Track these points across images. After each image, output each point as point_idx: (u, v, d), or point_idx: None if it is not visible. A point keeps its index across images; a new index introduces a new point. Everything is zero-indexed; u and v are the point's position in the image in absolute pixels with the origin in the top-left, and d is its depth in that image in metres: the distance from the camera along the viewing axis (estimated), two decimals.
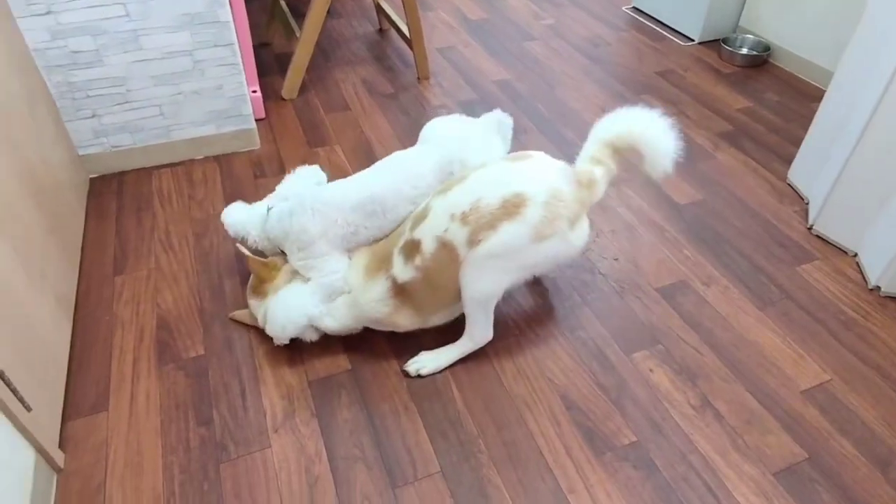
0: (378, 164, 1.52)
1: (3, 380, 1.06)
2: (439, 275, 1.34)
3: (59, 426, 1.29)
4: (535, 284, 1.67)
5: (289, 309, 1.39)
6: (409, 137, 2.21)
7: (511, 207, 1.27)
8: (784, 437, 1.33)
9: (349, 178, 1.50)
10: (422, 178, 1.46)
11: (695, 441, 1.32)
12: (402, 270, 1.36)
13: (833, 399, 1.40)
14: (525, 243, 1.28)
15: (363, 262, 1.43)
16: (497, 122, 1.63)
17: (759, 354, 1.50)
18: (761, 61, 2.73)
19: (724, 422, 1.35)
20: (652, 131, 1.33)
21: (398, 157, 1.53)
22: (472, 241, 1.28)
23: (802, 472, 1.26)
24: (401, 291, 1.37)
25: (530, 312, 1.59)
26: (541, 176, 1.33)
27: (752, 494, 1.22)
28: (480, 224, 1.28)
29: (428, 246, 1.33)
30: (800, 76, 2.65)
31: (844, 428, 1.35)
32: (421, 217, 1.36)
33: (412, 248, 1.35)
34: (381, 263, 1.40)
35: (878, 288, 1.65)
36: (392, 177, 1.46)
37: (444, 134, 1.57)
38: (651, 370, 1.45)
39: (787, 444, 1.31)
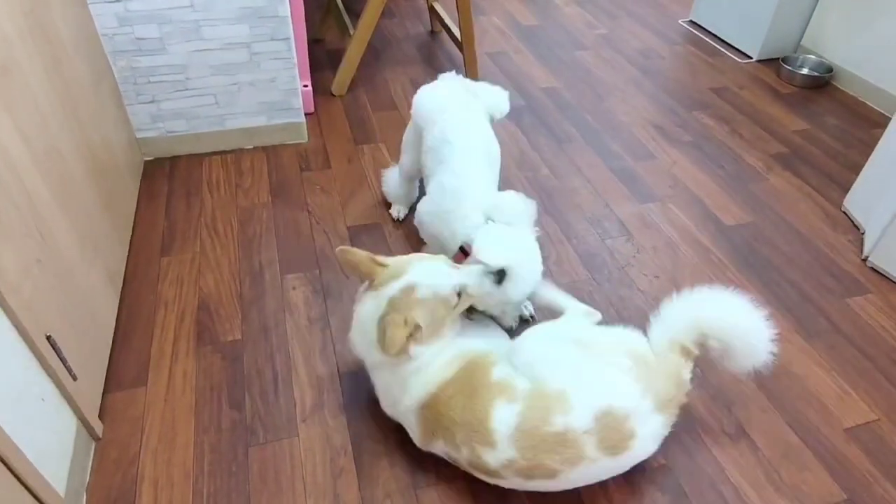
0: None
1: (51, 345, 1.11)
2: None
3: (100, 397, 1.34)
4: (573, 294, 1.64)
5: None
6: None
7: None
8: (823, 475, 1.27)
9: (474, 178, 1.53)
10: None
11: (727, 471, 1.27)
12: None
13: (879, 440, 1.34)
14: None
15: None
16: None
17: (801, 387, 1.44)
18: (823, 83, 2.63)
19: (759, 453, 1.30)
20: (747, 323, 1.18)
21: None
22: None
23: None
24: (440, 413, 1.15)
25: None
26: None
27: None
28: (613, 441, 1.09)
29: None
30: (863, 100, 2.55)
31: (891, 472, 1.28)
32: (554, 397, 1.11)
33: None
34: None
35: None
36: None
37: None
38: (685, 393, 1.41)
39: (825, 482, 1.26)
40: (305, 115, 2.22)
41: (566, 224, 1.88)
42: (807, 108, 2.49)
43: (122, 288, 1.60)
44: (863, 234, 1.85)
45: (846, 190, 2.01)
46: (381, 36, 2.92)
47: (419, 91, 1.70)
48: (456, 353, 1.20)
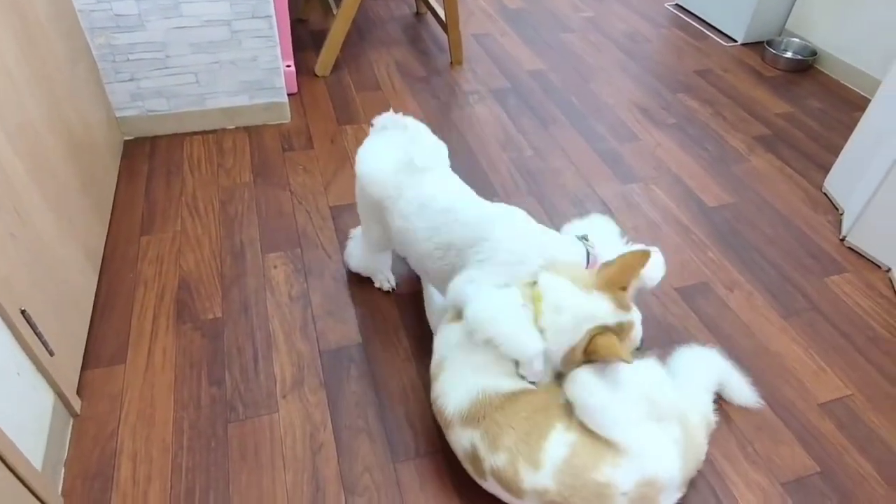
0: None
1: (26, 319, 1.10)
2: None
3: (78, 373, 1.33)
4: None
5: None
6: (438, 121, 2.21)
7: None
8: (797, 448, 1.30)
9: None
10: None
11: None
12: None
13: (852, 415, 1.36)
14: None
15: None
16: None
17: (778, 363, 1.46)
18: (806, 66, 2.65)
19: (734, 427, 1.32)
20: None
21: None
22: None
23: (813, 485, 1.23)
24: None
25: None
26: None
27: (758, 503, 1.20)
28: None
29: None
30: (845, 84, 2.56)
31: (862, 445, 1.31)
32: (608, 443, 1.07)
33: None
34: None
35: None
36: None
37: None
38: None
39: (799, 455, 1.28)
40: (288, 95, 2.20)
41: (550, 204, 1.88)
42: (790, 91, 2.50)
43: (101, 266, 1.59)
44: (841, 214, 1.87)
45: (826, 171, 2.03)
46: (366, 16, 2.89)
47: (362, 158, 1.37)
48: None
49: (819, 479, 1.24)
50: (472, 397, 1.10)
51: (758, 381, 1.41)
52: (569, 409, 1.09)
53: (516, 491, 1.06)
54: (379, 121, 1.40)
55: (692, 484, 1.21)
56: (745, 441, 1.30)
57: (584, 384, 1.08)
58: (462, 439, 1.11)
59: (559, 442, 1.05)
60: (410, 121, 1.36)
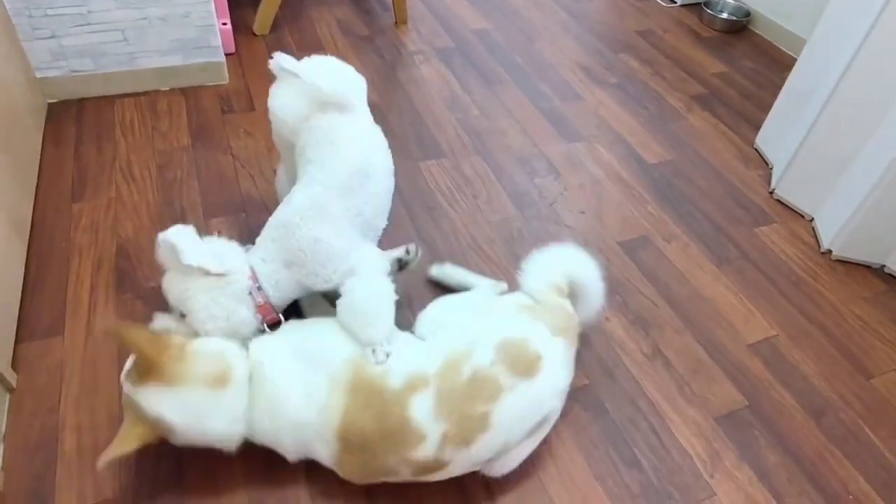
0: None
1: None
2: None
3: (12, 347, 1.27)
4: (503, 231, 1.68)
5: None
6: (382, 81, 2.17)
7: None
8: (727, 385, 1.39)
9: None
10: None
11: (644, 387, 1.37)
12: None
13: (777, 353, 1.47)
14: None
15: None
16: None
17: (711, 309, 1.55)
18: (740, 27, 2.74)
19: (672, 370, 1.41)
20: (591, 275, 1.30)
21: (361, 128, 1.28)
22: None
23: (742, 417, 1.33)
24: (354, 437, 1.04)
25: (494, 259, 1.60)
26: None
27: (693, 436, 1.28)
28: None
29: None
30: (776, 44, 2.67)
31: (785, 380, 1.41)
32: (461, 356, 1.09)
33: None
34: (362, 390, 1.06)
35: (830, 252, 1.72)
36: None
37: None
38: (607, 318, 1.49)
39: (729, 392, 1.38)
40: (226, 55, 2.11)
41: (496, 164, 1.90)
42: (725, 52, 2.59)
43: (31, 235, 1.50)
44: (771, 169, 1.98)
45: (758, 129, 2.13)
46: None
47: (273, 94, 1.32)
48: (324, 393, 1.05)
49: (747, 412, 1.34)
50: (341, 461, 1.08)
51: (694, 325, 1.50)
52: (407, 384, 1.05)
53: (437, 465, 1.04)
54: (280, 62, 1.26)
55: (632, 421, 1.29)
56: (683, 382, 1.38)
57: (424, 319, 1.24)
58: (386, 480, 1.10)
59: (421, 405, 1.03)
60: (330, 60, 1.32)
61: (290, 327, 1.17)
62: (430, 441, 1.02)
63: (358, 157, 1.22)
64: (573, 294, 1.29)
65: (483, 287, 1.44)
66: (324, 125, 1.22)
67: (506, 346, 1.09)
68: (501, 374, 1.06)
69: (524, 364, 1.08)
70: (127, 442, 0.99)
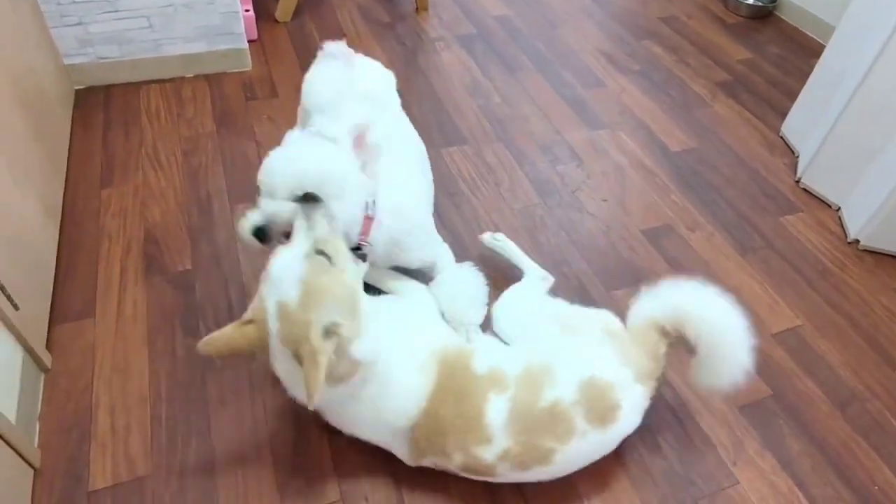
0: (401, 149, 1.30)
1: None
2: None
3: (46, 328, 1.30)
4: (525, 218, 1.68)
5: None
6: (403, 68, 2.17)
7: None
8: (752, 375, 1.38)
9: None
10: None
11: (666, 374, 1.36)
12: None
13: (802, 343, 1.46)
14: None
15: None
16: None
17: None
18: (766, 13, 2.68)
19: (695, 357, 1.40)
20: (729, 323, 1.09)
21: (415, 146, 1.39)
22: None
23: (766, 407, 1.32)
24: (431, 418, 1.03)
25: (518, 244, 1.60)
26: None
27: (716, 424, 1.28)
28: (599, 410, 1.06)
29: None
30: (804, 31, 2.61)
31: (810, 370, 1.40)
32: (541, 373, 1.07)
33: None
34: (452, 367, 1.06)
35: (857, 241, 1.69)
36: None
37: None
38: (630, 307, 1.49)
39: (754, 381, 1.37)
40: (249, 42, 2.12)
41: (518, 151, 1.89)
42: (751, 38, 2.54)
43: (62, 220, 1.53)
44: (797, 157, 1.95)
45: (784, 116, 2.09)
46: None
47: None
48: (424, 354, 1.07)
49: (771, 401, 1.33)
50: (408, 436, 1.07)
51: None
52: (490, 377, 1.06)
53: (487, 469, 1.05)
54: (329, 48, 1.33)
55: (654, 407, 1.29)
56: None
57: (501, 317, 1.24)
58: (432, 464, 1.10)
59: (497, 407, 1.03)
60: (361, 58, 1.38)
61: (391, 299, 1.27)
62: (493, 448, 1.02)
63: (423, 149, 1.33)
64: (703, 347, 1.11)
65: (531, 277, 1.40)
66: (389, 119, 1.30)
67: (590, 388, 1.05)
68: (578, 416, 1.04)
69: (602, 412, 1.05)
70: (239, 335, 0.93)
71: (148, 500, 1.09)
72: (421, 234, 1.28)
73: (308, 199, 1.01)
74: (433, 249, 1.33)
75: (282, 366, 0.97)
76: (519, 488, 1.15)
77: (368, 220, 1.13)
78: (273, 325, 0.91)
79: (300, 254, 0.94)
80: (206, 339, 0.94)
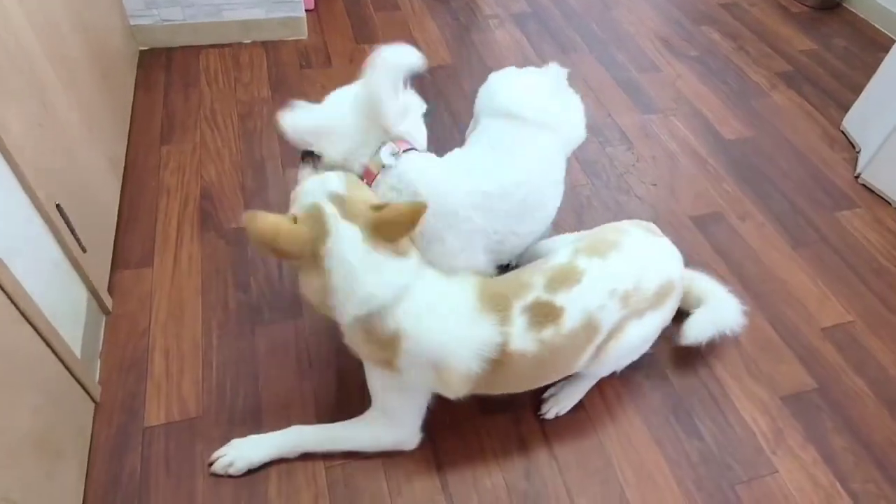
0: (486, 141, 1.24)
1: (61, 213, 1.12)
2: (561, 357, 1.07)
3: (108, 273, 1.36)
4: (572, 199, 1.67)
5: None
6: (456, 44, 2.17)
7: (661, 296, 1.16)
8: (797, 366, 1.36)
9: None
10: (558, 169, 1.26)
11: (707, 360, 1.35)
12: (523, 337, 1.02)
13: (852, 339, 1.42)
14: (654, 335, 1.22)
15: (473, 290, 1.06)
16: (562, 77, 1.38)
17: (784, 290, 1.51)
18: (834, 4, 2.58)
19: (739, 346, 1.38)
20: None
21: (513, 137, 1.24)
22: (618, 328, 1.11)
23: (810, 399, 1.30)
24: (500, 361, 1.01)
25: (562, 226, 1.60)
26: (678, 261, 1.25)
27: (757, 413, 1.27)
28: (635, 309, 1.11)
29: (571, 319, 1.04)
30: (873, 23, 2.51)
31: (859, 367, 1.37)
32: (566, 277, 1.07)
33: (546, 314, 1.03)
34: (494, 305, 1.03)
35: None
36: (525, 163, 1.19)
37: (539, 107, 1.27)
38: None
39: (798, 373, 1.35)
40: (306, 11, 2.15)
41: None
42: (816, 29, 2.45)
43: (124, 173, 1.60)
44: (858, 152, 1.88)
45: (846, 110, 2.02)
46: None
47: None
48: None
49: (816, 394, 1.31)
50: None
51: (764, 304, 1.46)
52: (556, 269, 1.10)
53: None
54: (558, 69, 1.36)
55: (694, 392, 1.28)
56: (749, 360, 1.36)
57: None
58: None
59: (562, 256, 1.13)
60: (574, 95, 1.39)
61: None
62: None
63: None
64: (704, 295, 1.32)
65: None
66: None
67: (663, 287, 1.17)
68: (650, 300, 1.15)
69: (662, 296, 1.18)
70: (288, 228, 0.93)
71: (198, 439, 1.14)
72: (453, 221, 1.11)
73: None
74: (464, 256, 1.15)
75: (341, 263, 0.93)
76: (554, 458, 1.16)
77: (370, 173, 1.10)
78: (329, 210, 0.95)
79: (333, 174, 1.02)
80: (255, 212, 0.90)
